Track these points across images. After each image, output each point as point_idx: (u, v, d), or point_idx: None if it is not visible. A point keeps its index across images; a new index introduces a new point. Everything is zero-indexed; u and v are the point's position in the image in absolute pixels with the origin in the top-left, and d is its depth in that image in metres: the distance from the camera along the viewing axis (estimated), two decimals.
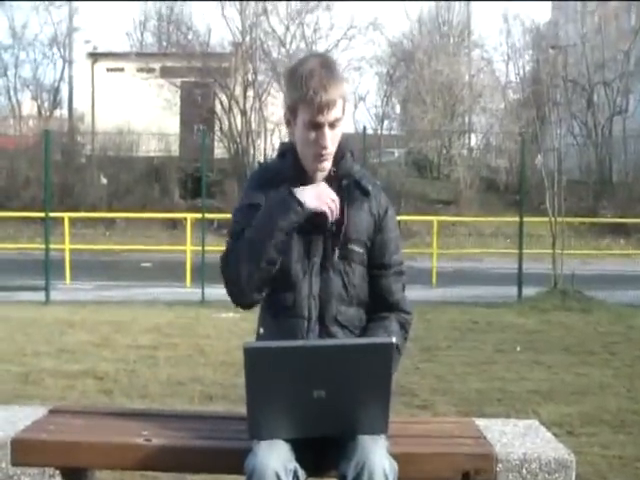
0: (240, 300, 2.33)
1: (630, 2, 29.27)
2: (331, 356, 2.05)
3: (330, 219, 2.28)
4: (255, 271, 2.25)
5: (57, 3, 29.60)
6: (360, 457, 2.02)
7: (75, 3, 29.93)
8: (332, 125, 2.27)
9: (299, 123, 2.29)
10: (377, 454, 2.03)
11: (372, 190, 2.37)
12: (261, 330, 2.39)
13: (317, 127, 2.26)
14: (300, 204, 2.23)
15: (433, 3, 31.12)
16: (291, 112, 2.31)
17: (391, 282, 2.39)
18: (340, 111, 2.28)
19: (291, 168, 2.35)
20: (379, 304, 2.39)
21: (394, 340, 2.10)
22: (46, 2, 29.42)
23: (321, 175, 2.34)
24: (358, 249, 2.34)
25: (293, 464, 2.05)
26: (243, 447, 2.12)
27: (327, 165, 2.33)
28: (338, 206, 2.29)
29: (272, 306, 2.35)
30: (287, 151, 2.39)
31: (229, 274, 2.30)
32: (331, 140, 2.28)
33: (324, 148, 2.28)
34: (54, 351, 6.76)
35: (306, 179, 2.33)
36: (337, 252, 2.31)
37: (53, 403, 3.41)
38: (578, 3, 28.98)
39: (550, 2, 32.73)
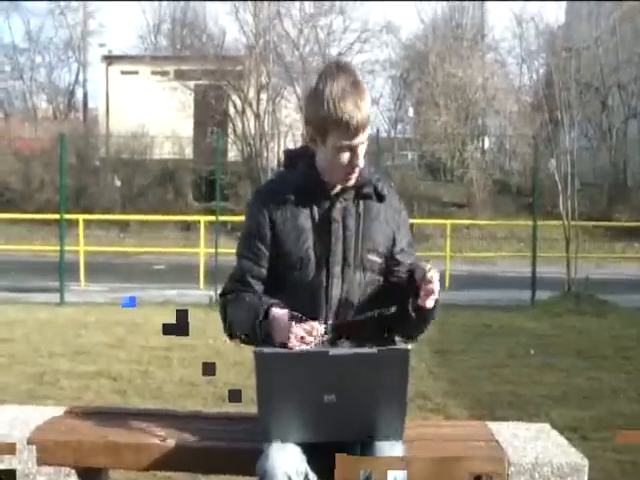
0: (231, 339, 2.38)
1: None
2: (343, 363, 2.06)
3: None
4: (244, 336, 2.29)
5: (73, 5, 29.84)
6: None
7: (90, 6, 30.14)
8: (362, 142, 2.24)
9: (329, 144, 2.22)
10: None
11: (387, 195, 2.35)
12: None
13: (351, 149, 2.22)
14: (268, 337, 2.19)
15: (447, 6, 31.05)
16: (319, 132, 2.22)
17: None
18: (369, 126, 2.24)
19: (304, 179, 2.30)
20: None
21: (409, 347, 2.10)
22: (61, 5, 29.66)
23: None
24: (376, 259, 2.32)
25: (304, 466, 2.06)
26: (255, 448, 2.13)
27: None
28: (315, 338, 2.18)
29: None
30: (297, 159, 2.35)
31: (223, 320, 2.35)
32: (362, 157, 2.26)
33: (357, 167, 2.25)
34: (69, 352, 6.81)
35: (323, 187, 2.30)
36: (358, 262, 2.29)
37: (68, 404, 3.44)
38: (592, 5, 28.78)
39: (564, 4, 32.47)
